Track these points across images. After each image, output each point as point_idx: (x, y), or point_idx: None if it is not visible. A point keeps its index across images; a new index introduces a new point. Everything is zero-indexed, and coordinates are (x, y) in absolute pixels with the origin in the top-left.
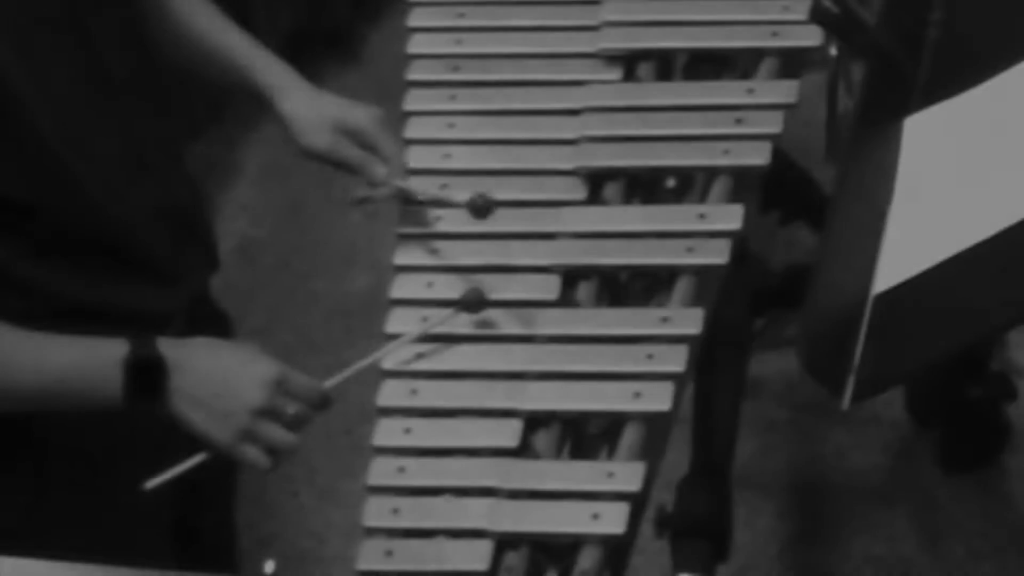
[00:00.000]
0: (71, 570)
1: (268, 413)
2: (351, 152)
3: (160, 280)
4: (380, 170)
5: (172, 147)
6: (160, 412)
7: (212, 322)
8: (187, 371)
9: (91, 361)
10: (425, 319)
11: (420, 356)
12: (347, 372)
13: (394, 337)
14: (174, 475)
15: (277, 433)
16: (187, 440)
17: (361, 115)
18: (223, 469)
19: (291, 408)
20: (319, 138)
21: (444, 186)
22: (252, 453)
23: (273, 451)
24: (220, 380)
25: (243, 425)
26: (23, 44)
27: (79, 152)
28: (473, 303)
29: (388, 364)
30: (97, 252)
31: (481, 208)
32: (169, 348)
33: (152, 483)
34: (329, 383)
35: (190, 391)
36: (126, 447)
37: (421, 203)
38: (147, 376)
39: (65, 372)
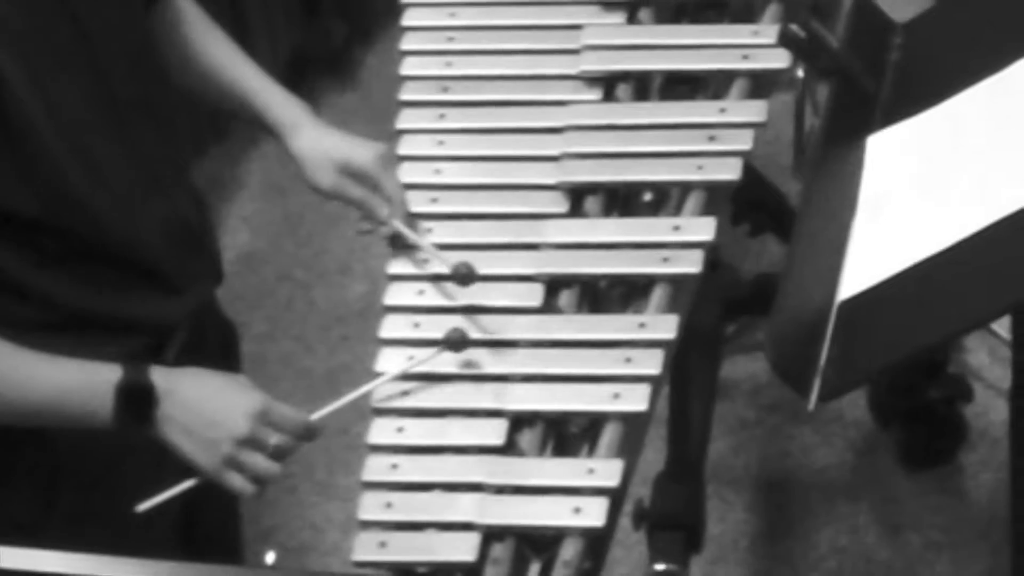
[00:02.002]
0: (80, 560)
1: (251, 443)
2: (355, 192)
3: (166, 290)
4: (383, 210)
5: (178, 164)
6: (149, 437)
7: (217, 331)
8: (176, 399)
9: (85, 384)
10: (411, 357)
11: (412, 359)
12: (334, 405)
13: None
14: (165, 499)
15: (260, 462)
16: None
17: (365, 156)
18: None
19: (274, 439)
20: (325, 178)
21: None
22: (236, 480)
23: (257, 480)
24: (207, 409)
25: (227, 453)
26: (35, 69)
27: (88, 171)
28: (456, 342)
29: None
30: (105, 264)
31: (464, 277)
32: (160, 376)
33: (143, 506)
34: (315, 415)
35: (178, 419)
36: (135, 449)
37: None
38: (138, 402)
39: (59, 393)
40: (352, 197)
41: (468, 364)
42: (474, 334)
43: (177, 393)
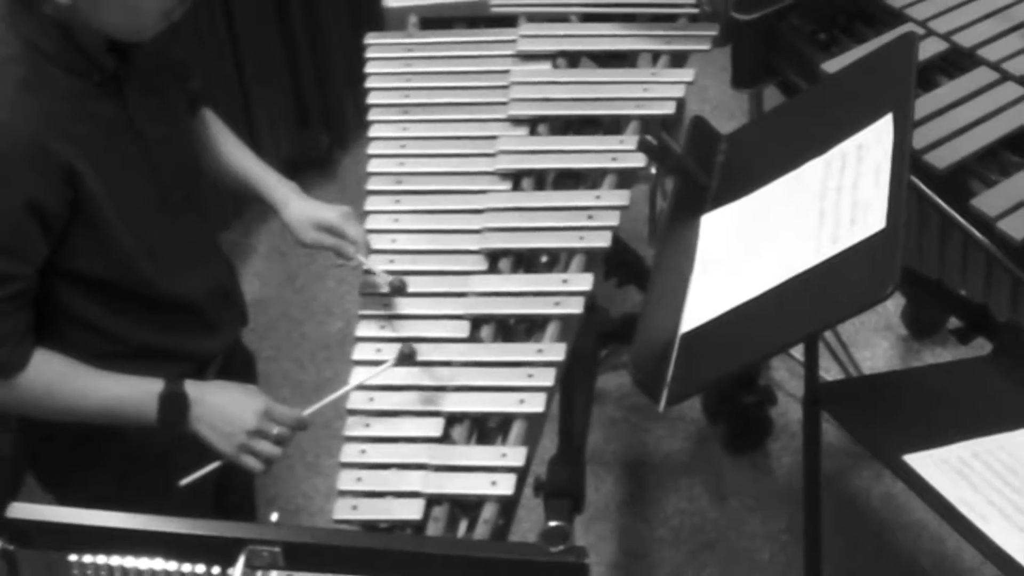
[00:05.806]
0: (130, 519)
1: (259, 433)
2: (329, 241)
3: (207, 331)
4: (350, 250)
5: (214, 241)
6: (183, 431)
7: (241, 357)
8: (204, 404)
9: (137, 393)
10: (375, 364)
11: (372, 372)
12: (319, 404)
13: (366, 362)
14: (201, 475)
15: (266, 447)
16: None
17: (333, 215)
18: None
19: (276, 429)
20: (307, 235)
21: (392, 261)
22: (249, 460)
23: (265, 460)
24: (226, 410)
25: (241, 441)
26: (107, 174)
27: (145, 250)
28: (407, 356)
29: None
30: (163, 312)
31: (398, 288)
32: (192, 387)
33: (185, 481)
34: (307, 411)
35: (205, 418)
36: (182, 443)
37: (372, 272)
38: (175, 406)
39: (118, 399)
40: (327, 244)
41: (415, 378)
42: (419, 357)
43: (204, 399)
